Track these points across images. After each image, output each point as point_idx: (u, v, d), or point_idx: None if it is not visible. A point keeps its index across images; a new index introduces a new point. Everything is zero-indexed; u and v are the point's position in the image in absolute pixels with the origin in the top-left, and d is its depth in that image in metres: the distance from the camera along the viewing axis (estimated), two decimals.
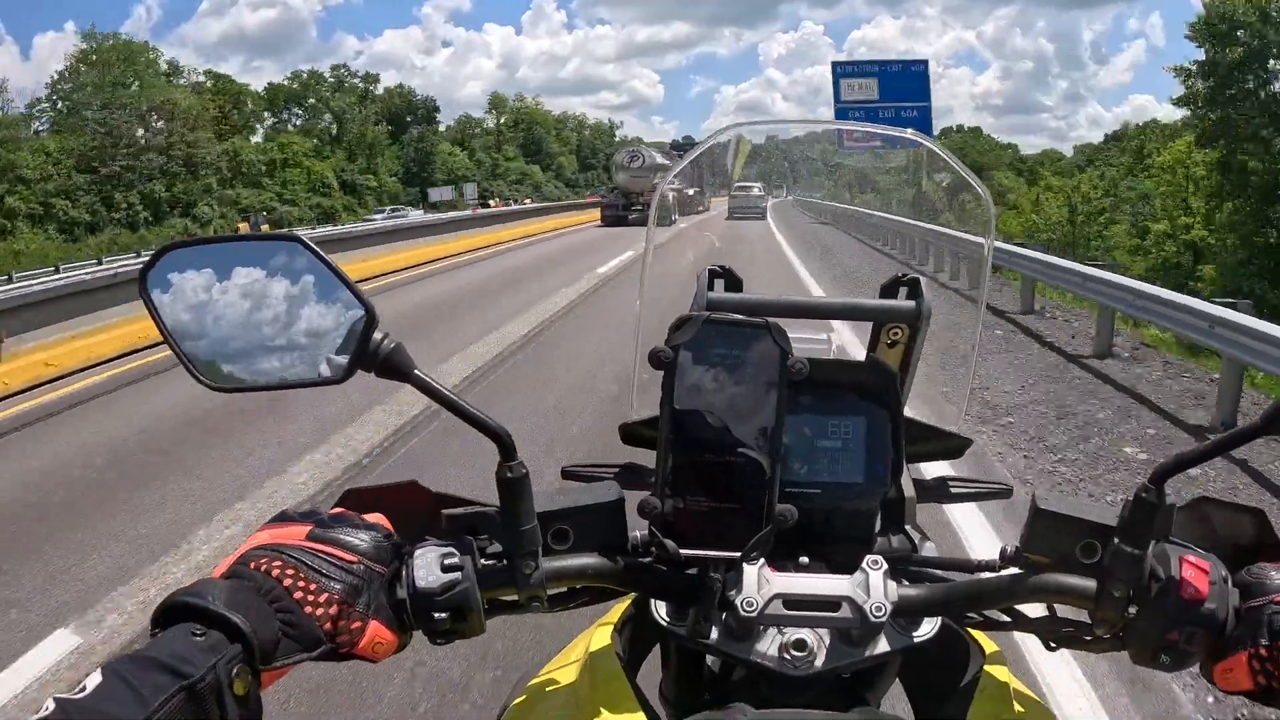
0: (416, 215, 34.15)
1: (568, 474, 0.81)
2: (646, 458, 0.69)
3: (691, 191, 20.02)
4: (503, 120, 72.25)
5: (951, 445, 0.82)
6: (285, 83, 58.57)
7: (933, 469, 0.85)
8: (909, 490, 0.74)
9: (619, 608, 0.78)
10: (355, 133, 56.46)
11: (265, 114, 56.24)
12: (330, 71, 60.83)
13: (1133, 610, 0.58)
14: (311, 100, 57.20)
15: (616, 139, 76.90)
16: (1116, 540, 0.58)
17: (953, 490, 0.84)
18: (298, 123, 57.61)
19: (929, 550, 0.72)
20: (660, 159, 29.94)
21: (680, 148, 31.40)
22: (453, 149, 64.81)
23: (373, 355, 0.57)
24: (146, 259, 0.59)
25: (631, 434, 0.77)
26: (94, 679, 0.45)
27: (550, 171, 72.11)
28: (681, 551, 0.58)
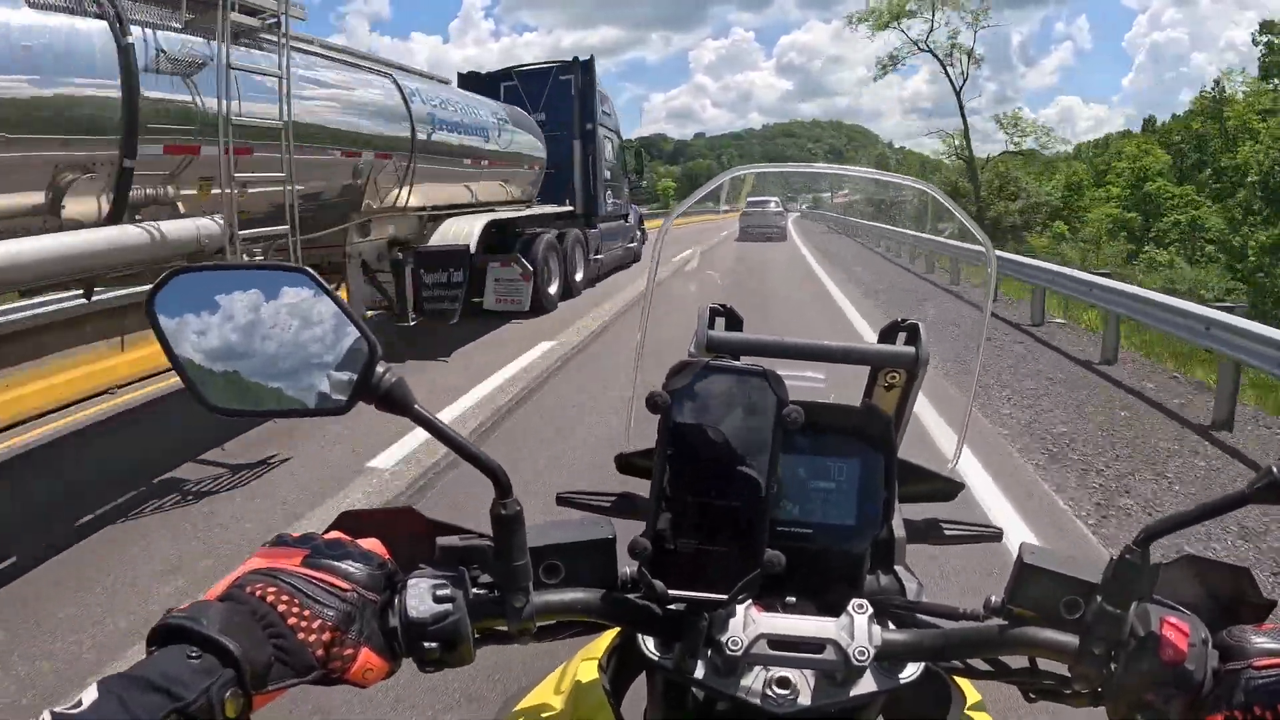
0: None
1: (563, 500, 0.82)
2: (642, 486, 0.69)
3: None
4: None
5: (944, 489, 0.83)
6: None
7: (925, 510, 0.86)
8: (900, 531, 0.75)
9: (603, 639, 0.78)
10: None
11: None
12: None
13: (1112, 668, 0.59)
14: None
15: None
16: (1099, 598, 0.58)
17: (944, 533, 0.85)
18: None
19: (918, 592, 0.73)
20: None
21: (491, 77, 11.76)
22: None
23: (375, 388, 0.58)
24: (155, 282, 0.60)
25: (628, 464, 0.78)
26: (90, 695, 0.45)
27: None
28: (669, 592, 0.59)
